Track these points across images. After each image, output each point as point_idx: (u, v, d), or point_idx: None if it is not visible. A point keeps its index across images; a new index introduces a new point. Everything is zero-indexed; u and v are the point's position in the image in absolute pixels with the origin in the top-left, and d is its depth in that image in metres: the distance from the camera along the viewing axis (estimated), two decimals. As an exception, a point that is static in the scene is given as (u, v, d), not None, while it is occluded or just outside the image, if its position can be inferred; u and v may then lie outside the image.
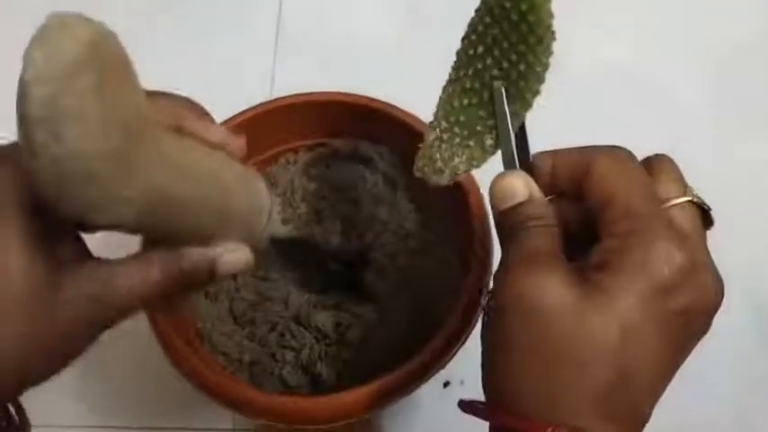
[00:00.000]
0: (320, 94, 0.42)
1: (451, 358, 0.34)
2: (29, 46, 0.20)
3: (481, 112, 0.29)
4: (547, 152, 0.29)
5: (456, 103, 0.29)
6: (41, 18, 0.21)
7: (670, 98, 0.60)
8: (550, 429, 0.24)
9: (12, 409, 0.30)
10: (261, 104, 0.42)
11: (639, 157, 0.29)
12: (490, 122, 0.29)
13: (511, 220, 0.27)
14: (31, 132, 0.20)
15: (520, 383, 0.25)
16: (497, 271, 0.27)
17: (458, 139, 0.29)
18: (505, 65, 0.28)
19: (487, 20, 0.27)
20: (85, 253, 0.27)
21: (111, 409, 0.47)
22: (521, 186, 0.27)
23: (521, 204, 0.27)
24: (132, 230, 0.25)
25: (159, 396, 0.47)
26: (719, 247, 0.52)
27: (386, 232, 0.41)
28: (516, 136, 0.29)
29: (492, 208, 0.28)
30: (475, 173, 0.38)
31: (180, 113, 0.29)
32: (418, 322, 0.37)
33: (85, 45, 0.21)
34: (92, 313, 0.25)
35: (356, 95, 0.41)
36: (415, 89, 0.55)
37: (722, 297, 0.27)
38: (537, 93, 0.28)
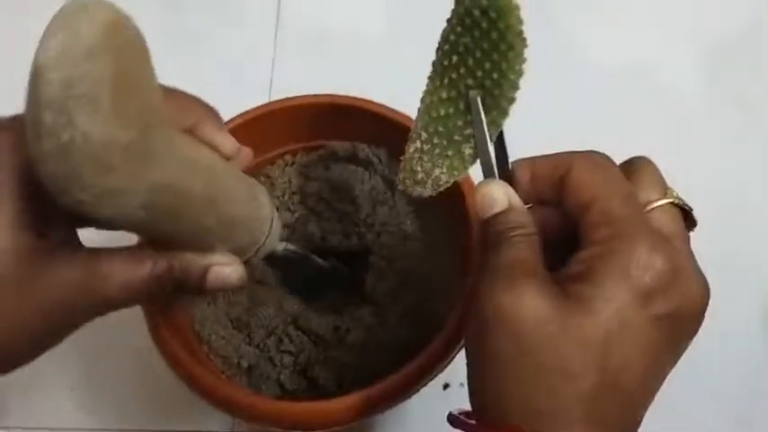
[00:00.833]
0: (319, 97, 0.42)
1: (450, 362, 0.34)
2: (47, 27, 0.20)
3: (459, 122, 0.29)
4: (525, 159, 0.29)
5: (434, 114, 0.29)
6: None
7: (670, 95, 0.60)
8: None
9: None
10: (259, 107, 0.42)
11: (648, 154, 0.29)
12: (468, 132, 0.29)
13: (492, 229, 0.27)
14: (41, 115, 0.20)
15: (505, 395, 0.25)
16: (481, 280, 0.26)
17: (437, 150, 0.29)
18: (479, 74, 0.27)
19: (459, 29, 0.27)
20: (77, 241, 0.27)
21: (108, 411, 0.47)
22: (500, 195, 0.27)
23: (500, 213, 0.27)
24: (131, 227, 0.25)
25: (157, 399, 0.47)
26: (730, 247, 0.53)
27: (384, 234, 0.41)
28: (495, 144, 0.29)
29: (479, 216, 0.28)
30: (474, 175, 0.38)
31: (197, 114, 0.29)
32: (417, 325, 0.37)
33: (104, 29, 0.20)
34: (77, 300, 0.25)
35: (354, 98, 0.41)
36: (415, 91, 0.56)
37: (707, 299, 0.27)
38: (512, 100, 0.28)
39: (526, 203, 0.28)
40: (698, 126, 0.58)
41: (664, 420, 0.48)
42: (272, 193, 0.42)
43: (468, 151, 0.29)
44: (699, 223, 0.54)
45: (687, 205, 0.29)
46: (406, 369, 0.33)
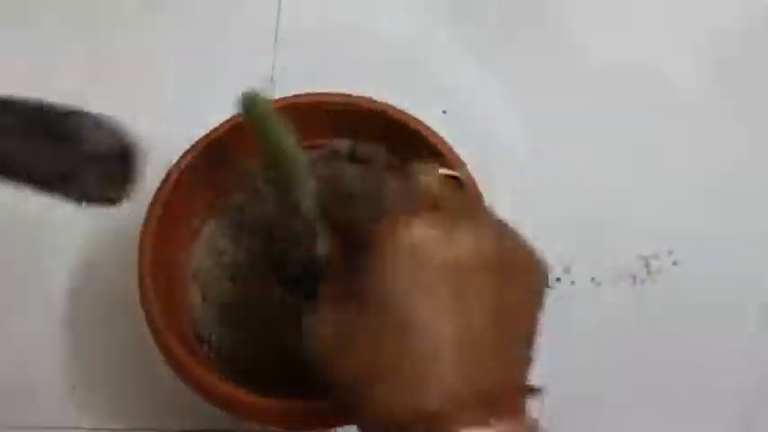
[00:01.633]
0: (318, 96, 0.42)
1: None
2: None
3: None
4: None
5: None
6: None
7: (670, 95, 0.59)
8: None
9: None
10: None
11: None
12: None
13: None
14: None
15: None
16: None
17: None
18: None
19: None
20: None
21: (109, 411, 0.47)
22: None
23: None
24: None
25: (158, 398, 0.47)
26: (729, 246, 0.52)
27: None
28: None
29: None
30: (475, 174, 0.38)
31: None
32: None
33: None
34: None
35: (355, 97, 0.41)
36: (415, 89, 0.56)
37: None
38: None
39: None
40: (698, 126, 0.58)
41: (663, 420, 0.48)
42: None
43: None
44: (703, 223, 0.54)
45: (454, 173, 0.31)
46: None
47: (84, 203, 0.33)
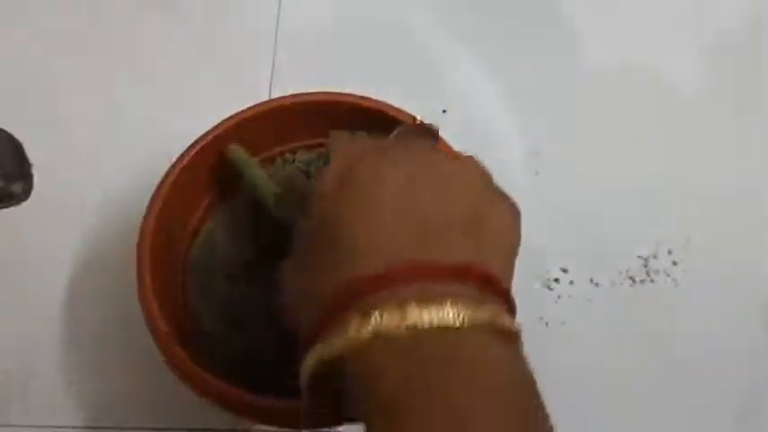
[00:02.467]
0: (318, 95, 0.42)
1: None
2: None
3: None
4: None
5: None
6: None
7: (671, 94, 0.60)
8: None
9: None
10: (259, 104, 0.42)
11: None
12: None
13: None
14: None
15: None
16: None
17: None
18: None
19: None
20: None
21: (107, 408, 0.47)
22: None
23: None
24: None
25: (157, 396, 0.47)
26: (729, 246, 0.52)
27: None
28: None
29: None
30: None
31: None
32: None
33: None
34: None
35: (353, 95, 0.41)
36: (414, 88, 0.56)
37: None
38: None
39: None
40: (699, 126, 0.58)
41: (662, 420, 0.48)
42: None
43: None
44: (703, 223, 0.54)
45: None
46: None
47: None
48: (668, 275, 0.52)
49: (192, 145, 0.40)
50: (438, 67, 0.60)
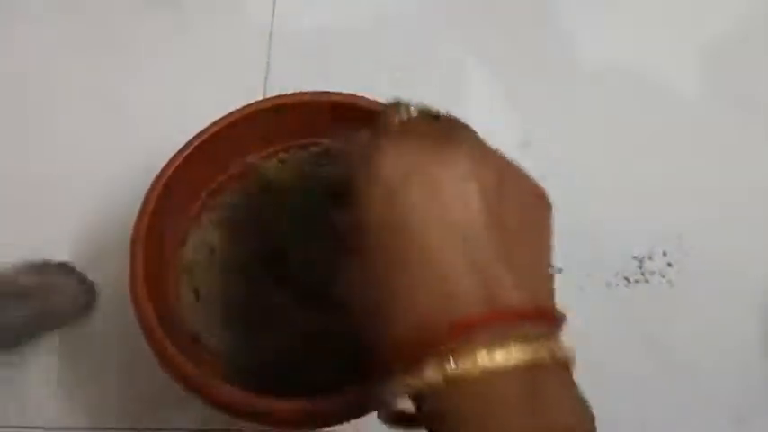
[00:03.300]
0: (312, 94, 0.41)
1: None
2: None
3: None
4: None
5: None
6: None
7: (668, 95, 0.60)
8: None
9: None
10: (254, 103, 0.42)
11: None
12: None
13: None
14: None
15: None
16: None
17: None
18: None
19: None
20: None
21: (103, 409, 0.47)
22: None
23: None
24: None
25: (151, 396, 0.47)
26: (728, 247, 0.52)
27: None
28: None
29: None
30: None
31: None
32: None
33: None
34: None
35: (348, 95, 0.41)
36: (408, 87, 0.55)
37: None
38: None
39: None
40: (695, 126, 0.58)
41: (657, 419, 0.48)
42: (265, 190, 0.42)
43: None
44: (697, 224, 0.55)
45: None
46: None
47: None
48: (663, 276, 0.52)
49: (186, 145, 0.40)
50: (432, 66, 0.60)
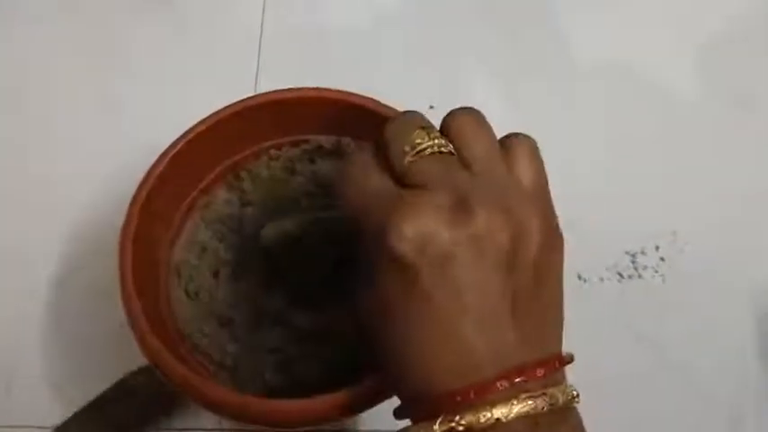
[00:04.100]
0: (304, 90, 0.41)
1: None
2: None
3: None
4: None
5: None
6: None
7: (664, 93, 0.60)
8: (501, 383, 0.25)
9: None
10: (244, 100, 0.41)
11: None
12: None
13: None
14: None
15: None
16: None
17: None
18: None
19: None
20: None
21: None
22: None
23: None
24: None
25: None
26: (724, 247, 0.52)
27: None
28: None
29: None
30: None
31: None
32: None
33: None
34: None
35: (339, 91, 0.41)
36: (401, 84, 0.55)
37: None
38: None
39: None
40: (687, 123, 0.58)
41: (649, 414, 0.48)
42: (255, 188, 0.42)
43: None
44: (684, 219, 0.54)
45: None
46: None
47: None
48: (656, 271, 0.52)
49: (174, 142, 0.39)
50: (425, 64, 0.60)
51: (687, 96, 0.59)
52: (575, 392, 0.26)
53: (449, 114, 0.29)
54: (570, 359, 0.27)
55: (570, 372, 0.28)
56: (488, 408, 0.24)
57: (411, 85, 0.57)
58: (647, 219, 0.54)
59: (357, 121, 0.41)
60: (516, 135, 0.29)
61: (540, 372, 0.25)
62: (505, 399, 0.24)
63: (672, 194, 0.55)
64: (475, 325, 0.25)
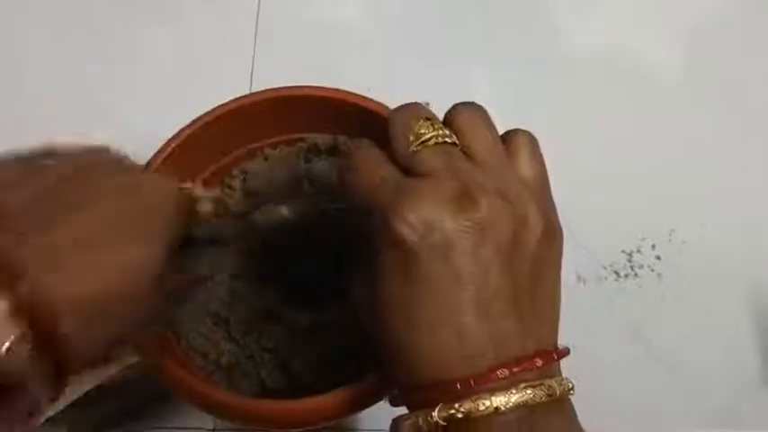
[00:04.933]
0: (298, 89, 0.41)
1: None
2: None
3: None
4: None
5: None
6: None
7: (650, 82, 0.60)
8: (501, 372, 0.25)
9: None
10: (239, 98, 0.41)
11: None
12: None
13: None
14: None
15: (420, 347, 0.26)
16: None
17: None
18: None
19: None
20: None
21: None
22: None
23: None
24: None
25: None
26: (717, 240, 0.52)
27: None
28: None
29: None
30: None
31: None
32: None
33: None
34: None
35: (334, 89, 0.40)
36: (396, 81, 0.55)
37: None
38: None
39: None
40: (683, 120, 0.58)
41: (647, 414, 0.48)
42: (249, 188, 0.42)
43: None
44: (680, 218, 0.54)
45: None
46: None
47: None
48: (652, 270, 0.52)
49: (169, 141, 0.39)
50: (419, 60, 0.60)
51: (686, 96, 0.59)
52: (570, 384, 0.27)
53: (452, 108, 0.29)
54: (567, 351, 0.28)
55: (568, 371, 0.28)
56: (488, 396, 0.24)
57: (405, 82, 0.57)
58: (643, 218, 0.54)
59: (353, 120, 0.41)
60: (517, 131, 0.30)
61: (538, 362, 0.25)
62: (504, 388, 0.24)
63: (668, 193, 0.55)
64: (475, 312, 0.25)
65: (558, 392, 0.25)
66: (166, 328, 0.37)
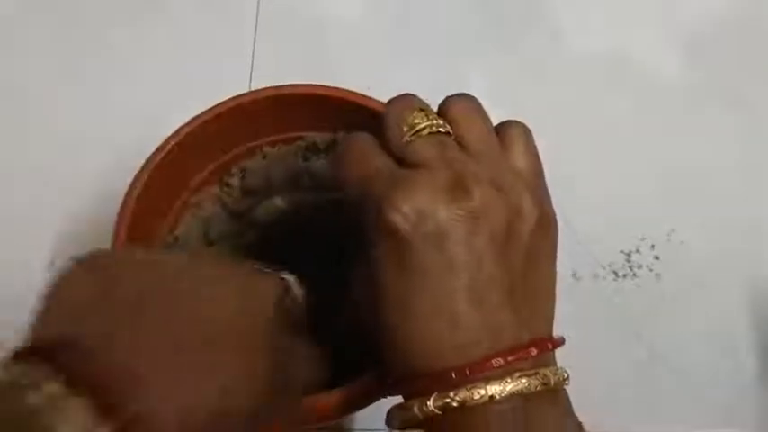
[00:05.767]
0: (298, 87, 0.41)
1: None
2: None
3: None
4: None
5: None
6: None
7: (650, 82, 0.59)
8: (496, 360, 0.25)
9: None
10: (238, 96, 0.41)
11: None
12: None
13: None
14: None
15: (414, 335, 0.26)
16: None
17: None
18: None
19: None
20: None
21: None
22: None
23: None
24: None
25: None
26: (716, 239, 0.52)
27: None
28: None
29: None
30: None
31: None
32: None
33: None
34: None
35: (333, 88, 0.40)
36: (395, 80, 0.55)
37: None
38: None
39: None
40: (682, 120, 0.58)
41: (645, 414, 0.48)
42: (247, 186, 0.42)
43: None
44: (679, 218, 0.54)
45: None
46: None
47: None
48: (651, 270, 0.52)
49: (169, 138, 0.39)
50: (420, 61, 0.60)
51: (685, 96, 0.59)
52: (565, 374, 0.27)
53: (446, 99, 0.29)
54: (562, 341, 0.28)
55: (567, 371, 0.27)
56: (483, 385, 0.24)
57: (402, 81, 0.57)
58: (641, 217, 0.54)
59: (352, 118, 0.40)
60: (511, 122, 0.30)
61: (533, 351, 0.26)
62: (500, 376, 0.25)
63: (667, 193, 0.55)
64: (469, 301, 0.25)
65: (552, 382, 0.25)
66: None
